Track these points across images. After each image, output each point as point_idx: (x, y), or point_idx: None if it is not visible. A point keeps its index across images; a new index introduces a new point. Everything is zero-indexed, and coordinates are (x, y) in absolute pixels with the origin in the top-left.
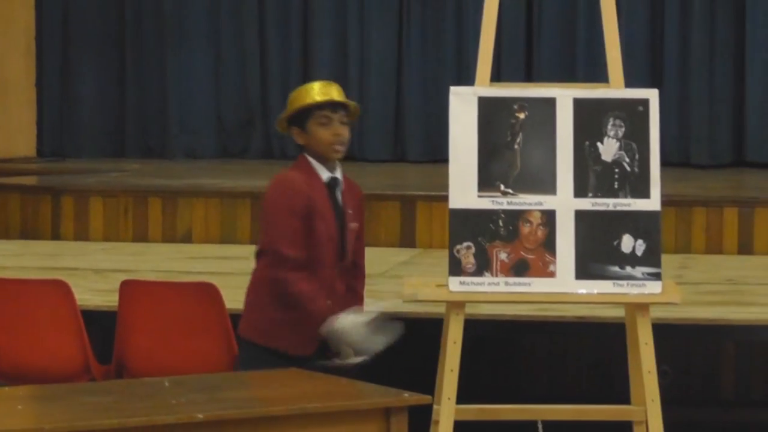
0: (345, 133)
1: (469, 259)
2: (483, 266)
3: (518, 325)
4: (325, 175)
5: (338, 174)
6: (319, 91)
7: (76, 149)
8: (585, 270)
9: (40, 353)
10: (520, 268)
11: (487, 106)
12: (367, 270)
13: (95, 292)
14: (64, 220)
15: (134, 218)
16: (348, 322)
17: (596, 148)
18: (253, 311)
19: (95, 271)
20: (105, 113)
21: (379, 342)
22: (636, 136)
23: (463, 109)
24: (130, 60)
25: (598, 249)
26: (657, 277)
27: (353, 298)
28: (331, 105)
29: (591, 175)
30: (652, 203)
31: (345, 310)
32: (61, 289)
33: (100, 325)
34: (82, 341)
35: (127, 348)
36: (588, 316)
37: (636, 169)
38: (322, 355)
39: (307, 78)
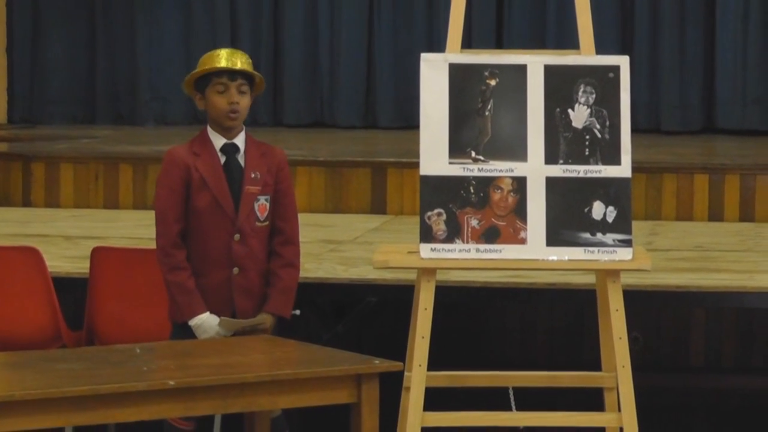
0: (241, 101)
1: (439, 226)
2: (454, 233)
3: (489, 292)
4: (220, 142)
5: (239, 140)
6: (220, 58)
7: (46, 116)
8: (556, 237)
9: (11, 320)
10: (491, 235)
11: (457, 73)
12: (338, 236)
13: (66, 259)
14: (34, 187)
15: (105, 185)
16: (200, 324)
17: (567, 115)
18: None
19: (66, 237)
20: (75, 80)
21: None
22: (607, 103)
23: (433, 75)
24: (100, 26)
25: (568, 216)
26: (628, 243)
27: (279, 264)
28: (229, 73)
29: (562, 142)
30: (623, 170)
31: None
32: (32, 256)
33: (71, 292)
34: (53, 308)
35: (98, 314)
36: (559, 282)
37: (606, 136)
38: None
39: (279, 45)
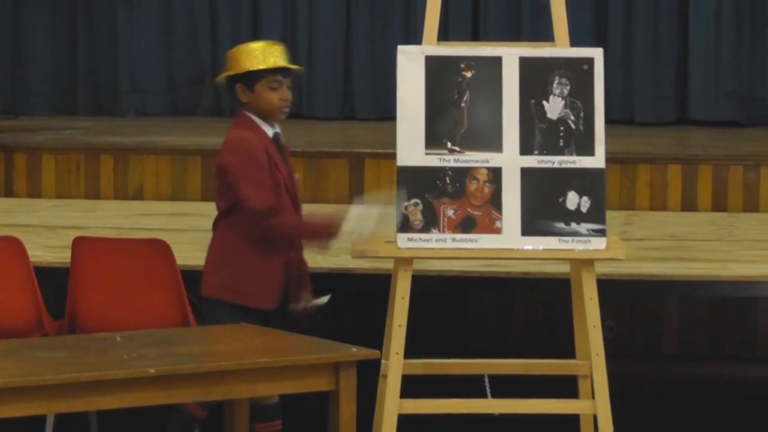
0: (290, 96)
1: (416, 216)
2: (430, 223)
3: (465, 281)
4: (270, 131)
5: (278, 129)
6: (271, 54)
7: (28, 107)
8: (531, 226)
9: None
10: (467, 225)
11: (434, 65)
12: None
13: (48, 249)
14: (17, 177)
15: (86, 175)
16: (356, 214)
17: (542, 106)
18: (218, 269)
19: (48, 227)
20: (57, 71)
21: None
22: (581, 95)
23: (410, 67)
24: (81, 19)
25: (543, 206)
26: (602, 233)
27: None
28: (284, 71)
29: (537, 133)
30: (597, 160)
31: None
32: (14, 246)
33: (52, 281)
34: (35, 297)
35: (79, 303)
36: (534, 272)
37: (581, 127)
38: (285, 308)
39: (258, 37)
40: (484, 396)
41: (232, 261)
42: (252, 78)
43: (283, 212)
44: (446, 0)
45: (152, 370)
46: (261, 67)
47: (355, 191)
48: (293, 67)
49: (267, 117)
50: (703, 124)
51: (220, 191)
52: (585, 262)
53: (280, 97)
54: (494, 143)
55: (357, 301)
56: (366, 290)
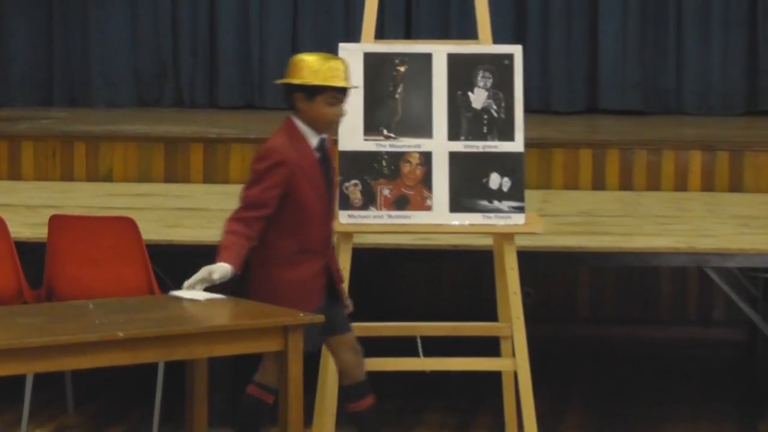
0: (345, 112)
1: (356, 195)
2: (369, 201)
3: (399, 253)
4: (314, 139)
5: (325, 134)
6: (337, 71)
7: (8, 99)
8: (458, 204)
9: None
10: (401, 203)
11: (372, 61)
12: None
13: (27, 226)
14: None
15: (61, 160)
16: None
17: (467, 97)
18: (260, 277)
19: (27, 207)
20: (35, 66)
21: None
22: (502, 87)
23: (351, 62)
24: (57, 18)
25: (469, 186)
26: (521, 210)
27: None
28: (346, 90)
29: (463, 121)
30: (517, 145)
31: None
32: None
33: (31, 255)
34: (15, 269)
35: (55, 274)
36: (461, 244)
37: (502, 115)
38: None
39: (214, 35)
40: (417, 355)
41: (270, 268)
42: (314, 90)
43: (237, 223)
44: (382, 1)
45: (121, 334)
46: (326, 83)
47: None
48: (353, 87)
49: (316, 127)
50: (611, 113)
51: None
52: (506, 236)
53: (335, 113)
54: (425, 130)
55: None
56: None
